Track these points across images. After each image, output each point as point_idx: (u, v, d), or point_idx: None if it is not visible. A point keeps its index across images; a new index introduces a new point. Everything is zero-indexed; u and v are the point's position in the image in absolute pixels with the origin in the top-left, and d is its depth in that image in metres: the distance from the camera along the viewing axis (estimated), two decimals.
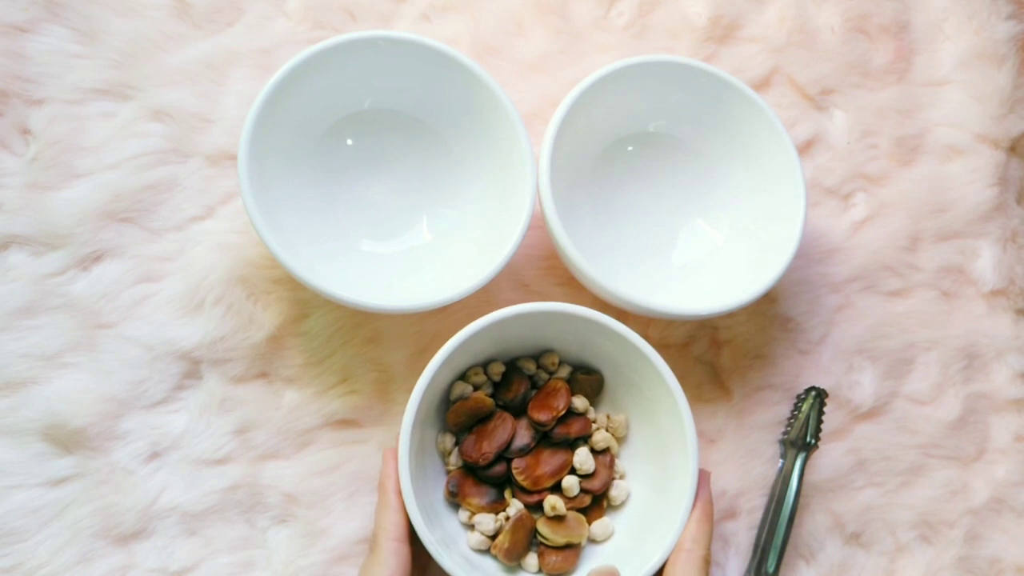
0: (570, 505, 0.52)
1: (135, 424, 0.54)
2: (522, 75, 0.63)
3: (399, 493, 0.48)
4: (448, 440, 0.53)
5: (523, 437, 0.53)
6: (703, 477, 0.51)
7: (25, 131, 0.57)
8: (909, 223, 0.64)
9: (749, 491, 0.58)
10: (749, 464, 0.59)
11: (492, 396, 0.54)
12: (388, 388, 0.57)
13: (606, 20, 0.65)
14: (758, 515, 0.58)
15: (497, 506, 0.52)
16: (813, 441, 0.58)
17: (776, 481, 0.58)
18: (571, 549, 0.51)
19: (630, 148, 0.61)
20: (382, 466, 0.50)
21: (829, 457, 0.60)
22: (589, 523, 0.53)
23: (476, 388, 0.54)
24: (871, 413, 0.61)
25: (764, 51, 0.65)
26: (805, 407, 0.58)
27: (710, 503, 0.50)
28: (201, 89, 0.59)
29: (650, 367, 0.51)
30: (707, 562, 0.49)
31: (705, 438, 0.59)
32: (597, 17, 0.64)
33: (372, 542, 0.49)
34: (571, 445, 0.54)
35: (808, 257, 0.63)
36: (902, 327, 0.63)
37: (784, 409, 0.60)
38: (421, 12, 0.63)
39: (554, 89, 0.62)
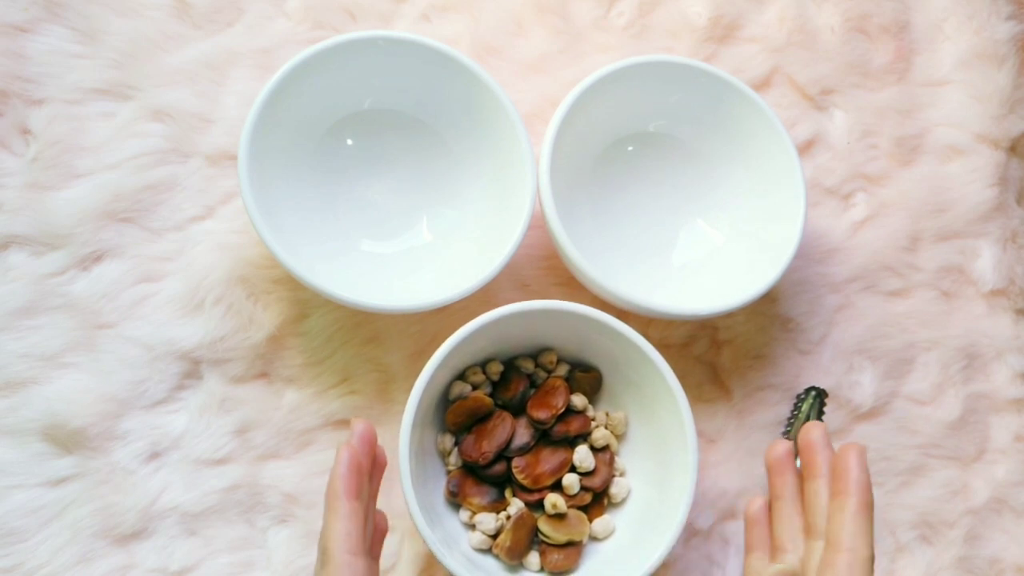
0: (571, 503, 0.52)
1: (135, 424, 0.54)
2: (522, 75, 0.63)
3: (351, 497, 0.42)
4: (448, 440, 0.53)
5: (523, 436, 0.53)
6: (855, 455, 0.43)
7: (25, 131, 0.57)
8: (909, 223, 0.64)
9: (749, 491, 0.58)
10: (749, 464, 0.59)
11: (491, 395, 0.54)
12: (388, 388, 0.57)
13: (606, 20, 0.65)
14: None
15: (498, 505, 0.52)
16: None
17: None
18: (573, 547, 0.52)
19: (630, 148, 0.61)
20: (333, 465, 0.44)
21: None
22: (590, 520, 0.53)
23: (475, 387, 0.54)
24: (871, 413, 0.61)
25: (764, 51, 0.65)
26: (805, 407, 0.58)
27: (868, 490, 0.43)
28: (201, 89, 0.59)
29: (648, 363, 0.51)
30: (872, 561, 0.41)
31: (705, 438, 0.59)
32: (597, 17, 0.64)
33: (322, 554, 0.42)
34: (571, 443, 0.54)
35: (808, 257, 0.63)
36: (902, 327, 0.63)
37: (784, 409, 0.60)
38: (421, 12, 0.63)
39: (554, 89, 0.62)
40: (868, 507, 0.42)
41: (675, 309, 0.54)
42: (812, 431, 0.48)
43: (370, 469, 0.46)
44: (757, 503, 0.51)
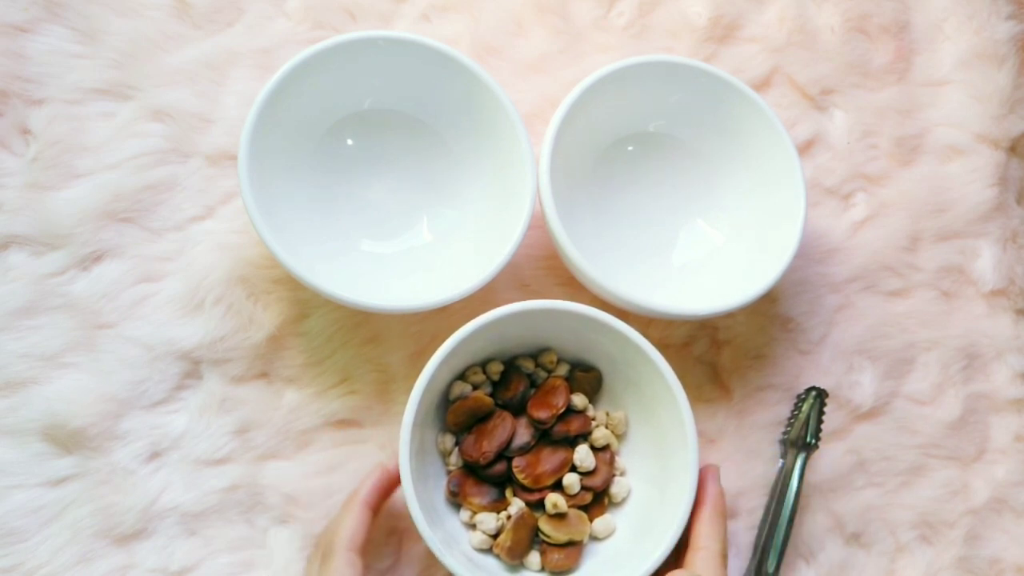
0: (571, 503, 0.52)
1: (135, 424, 0.54)
2: (522, 75, 0.63)
3: (370, 506, 0.48)
4: (448, 440, 0.53)
5: (523, 435, 0.53)
6: (710, 472, 0.51)
7: (25, 131, 0.57)
8: (909, 223, 0.64)
9: (749, 491, 0.58)
10: (749, 464, 0.59)
11: (491, 395, 0.54)
12: (388, 388, 0.57)
13: (606, 20, 0.65)
14: (758, 515, 0.58)
15: (498, 505, 0.52)
16: (813, 441, 0.58)
17: (776, 481, 0.58)
18: (573, 546, 0.52)
19: (630, 148, 0.61)
20: (365, 476, 0.50)
21: (829, 457, 0.59)
22: (591, 520, 0.53)
23: (475, 387, 0.54)
24: (871, 413, 0.61)
25: (764, 51, 0.65)
26: (805, 407, 0.58)
27: (720, 497, 0.50)
28: (201, 89, 0.59)
29: (648, 363, 0.51)
30: (724, 557, 0.48)
31: (705, 438, 0.59)
32: (597, 17, 0.64)
33: (326, 548, 0.47)
34: (571, 443, 0.54)
35: (808, 257, 0.63)
36: (902, 327, 0.63)
37: (784, 409, 0.60)
38: (421, 12, 0.63)
39: (554, 89, 0.62)
40: (719, 514, 0.50)
41: (675, 309, 0.54)
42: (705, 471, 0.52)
43: (388, 495, 0.51)
44: None
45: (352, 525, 0.47)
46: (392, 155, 0.59)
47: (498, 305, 0.50)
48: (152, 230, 0.57)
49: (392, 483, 0.51)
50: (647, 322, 0.59)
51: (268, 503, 0.54)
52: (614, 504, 0.54)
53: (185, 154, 0.58)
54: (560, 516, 0.52)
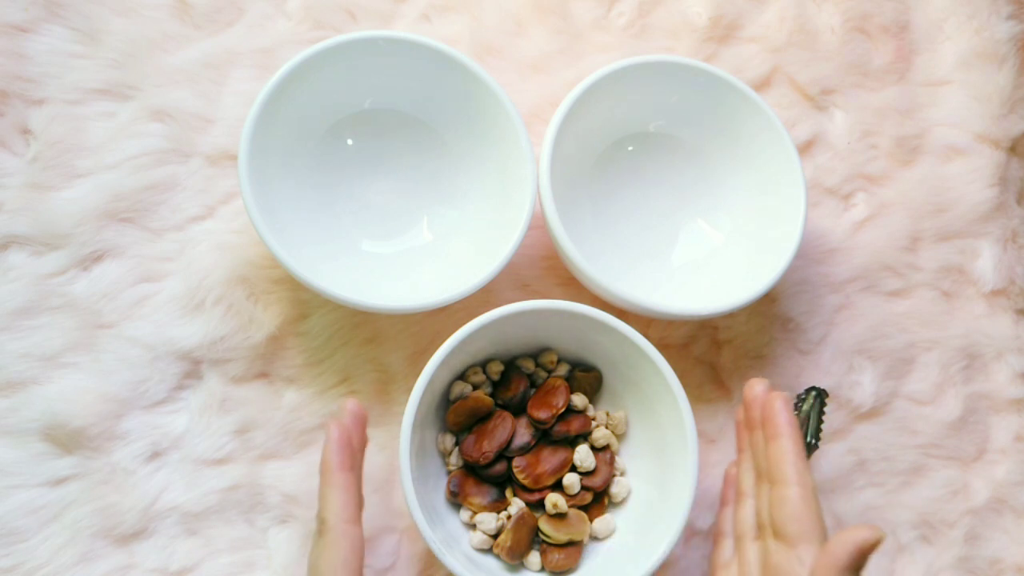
0: (571, 503, 0.52)
1: (135, 424, 0.54)
2: (522, 75, 0.63)
3: (344, 469, 0.45)
4: (448, 440, 0.53)
5: (523, 436, 0.53)
6: (782, 399, 0.48)
7: (25, 131, 0.57)
8: (909, 223, 0.64)
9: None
10: None
11: (491, 395, 0.54)
12: (388, 388, 0.57)
13: (606, 20, 0.65)
14: None
15: (498, 505, 0.52)
16: (813, 441, 0.58)
17: None
18: (573, 546, 0.52)
19: (630, 148, 0.61)
20: (325, 441, 0.46)
21: (829, 457, 0.59)
22: (591, 520, 0.53)
23: (475, 387, 0.54)
24: (871, 413, 0.61)
25: (764, 51, 0.65)
26: (805, 407, 0.58)
27: (798, 429, 0.47)
28: (201, 89, 0.59)
29: (647, 362, 0.51)
30: (817, 492, 0.45)
31: (705, 438, 0.59)
32: (597, 17, 0.64)
33: (319, 524, 0.45)
34: (571, 443, 0.54)
35: (808, 257, 0.63)
36: (902, 327, 0.63)
37: None
38: (421, 12, 0.63)
39: (554, 89, 0.62)
40: (801, 445, 0.47)
41: (675, 309, 0.54)
42: (755, 387, 0.51)
43: (361, 446, 0.48)
44: (732, 470, 0.53)
45: (336, 496, 0.44)
46: (392, 155, 0.59)
47: (498, 305, 0.50)
48: (152, 230, 0.57)
49: (356, 434, 0.47)
50: (647, 322, 0.59)
51: (268, 503, 0.54)
52: (614, 504, 0.54)
53: (185, 154, 0.58)
54: (560, 516, 0.52)
